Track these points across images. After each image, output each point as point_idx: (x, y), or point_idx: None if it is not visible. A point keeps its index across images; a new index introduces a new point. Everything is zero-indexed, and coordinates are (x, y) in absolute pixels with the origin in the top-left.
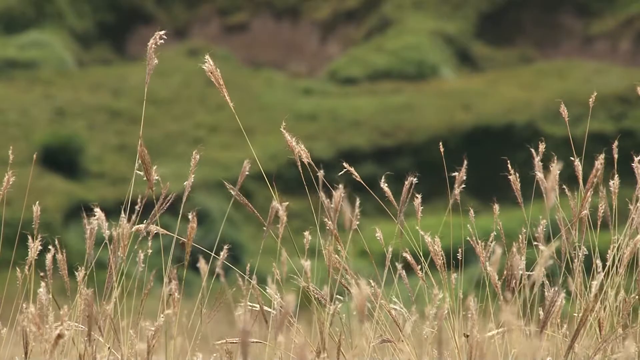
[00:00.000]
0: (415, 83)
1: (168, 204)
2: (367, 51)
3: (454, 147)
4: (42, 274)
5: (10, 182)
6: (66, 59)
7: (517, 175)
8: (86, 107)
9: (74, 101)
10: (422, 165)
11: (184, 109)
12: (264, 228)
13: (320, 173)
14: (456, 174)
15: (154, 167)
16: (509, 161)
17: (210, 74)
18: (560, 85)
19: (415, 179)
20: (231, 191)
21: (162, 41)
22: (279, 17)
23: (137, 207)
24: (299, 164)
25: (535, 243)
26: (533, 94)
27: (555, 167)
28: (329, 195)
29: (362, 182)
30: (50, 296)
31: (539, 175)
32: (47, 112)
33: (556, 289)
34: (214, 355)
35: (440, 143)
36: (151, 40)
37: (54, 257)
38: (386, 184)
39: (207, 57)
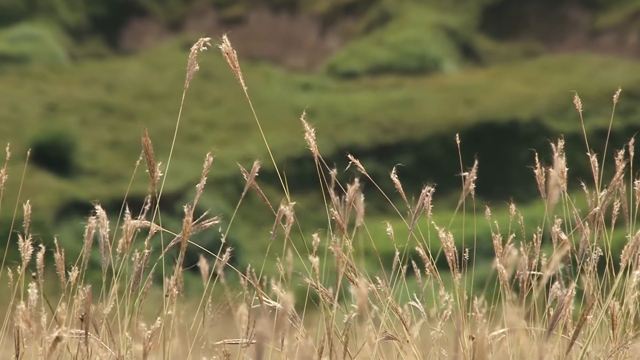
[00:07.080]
0: (417, 78)
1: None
2: (367, 45)
3: (456, 144)
4: (33, 274)
5: (3, 180)
6: (58, 53)
7: (539, 170)
8: (78, 103)
9: (66, 96)
10: (423, 162)
11: (179, 104)
12: (271, 232)
13: (333, 172)
14: (465, 173)
15: (159, 164)
16: (536, 156)
17: (226, 54)
18: (565, 79)
19: (416, 177)
20: (258, 194)
21: (204, 48)
22: (276, 10)
23: (145, 207)
24: (316, 158)
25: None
26: (538, 89)
27: (558, 163)
28: (327, 193)
29: (368, 176)
30: (42, 296)
31: (553, 171)
32: (38, 107)
33: (565, 290)
34: (214, 358)
35: (457, 135)
36: (194, 46)
37: (45, 256)
38: (394, 177)
39: (224, 37)
